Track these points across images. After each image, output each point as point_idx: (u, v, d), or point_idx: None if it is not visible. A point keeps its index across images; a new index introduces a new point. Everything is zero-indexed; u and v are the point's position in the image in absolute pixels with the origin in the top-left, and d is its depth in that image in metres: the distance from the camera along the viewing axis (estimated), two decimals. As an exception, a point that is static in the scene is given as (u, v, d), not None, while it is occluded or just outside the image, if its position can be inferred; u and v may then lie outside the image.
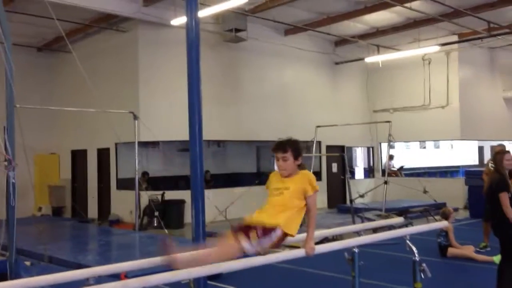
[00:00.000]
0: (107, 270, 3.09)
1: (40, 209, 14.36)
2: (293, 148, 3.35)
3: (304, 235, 3.37)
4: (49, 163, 15.13)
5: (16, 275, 6.02)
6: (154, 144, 13.92)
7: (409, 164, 19.81)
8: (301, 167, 3.47)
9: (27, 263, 7.04)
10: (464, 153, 22.63)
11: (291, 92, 14.96)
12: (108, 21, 12.84)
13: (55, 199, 14.67)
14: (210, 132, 10.98)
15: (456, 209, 13.33)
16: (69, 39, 9.91)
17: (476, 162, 21.67)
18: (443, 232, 7.76)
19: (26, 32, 13.21)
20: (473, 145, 21.89)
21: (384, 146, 16.67)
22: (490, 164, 8.53)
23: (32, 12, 11.18)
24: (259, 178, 11.77)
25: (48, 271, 6.19)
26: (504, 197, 5.29)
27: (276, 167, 3.46)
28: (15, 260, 6.28)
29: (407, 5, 11.68)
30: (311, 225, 3.32)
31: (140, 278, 2.70)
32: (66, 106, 12.58)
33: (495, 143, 15.93)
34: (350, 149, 17.33)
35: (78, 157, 14.84)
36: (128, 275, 5.07)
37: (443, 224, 5.92)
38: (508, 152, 5.71)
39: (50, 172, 14.91)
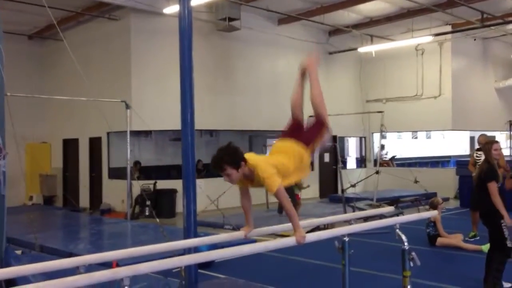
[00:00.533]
0: (97, 258, 3.09)
1: (31, 198, 14.32)
2: (228, 162, 3.10)
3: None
4: (41, 152, 15.05)
5: (6, 264, 6.01)
6: (146, 133, 13.88)
7: (400, 154, 19.92)
8: None
9: (18, 252, 7.03)
10: (455, 143, 22.79)
11: (284, 81, 14.90)
12: (100, 9, 12.71)
13: (46, 188, 14.62)
14: (202, 121, 10.95)
15: (446, 199, 13.44)
16: (61, 27, 9.83)
17: (468, 152, 21.83)
18: (432, 223, 7.83)
19: (17, 20, 13.06)
20: (465, 136, 22.04)
21: (376, 136, 16.72)
22: (475, 155, 8.63)
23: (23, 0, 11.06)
24: (252, 167, 11.74)
25: (39, 260, 6.19)
26: (492, 186, 5.35)
27: None
28: (6, 249, 6.26)
29: (401, -6, 11.68)
30: (290, 217, 3.26)
31: (130, 266, 2.71)
32: (58, 94, 12.49)
33: (487, 134, 16.04)
34: (342, 139, 17.38)
35: (70, 146, 14.77)
36: (119, 263, 5.08)
37: (432, 213, 5.97)
38: (497, 142, 5.77)
39: (42, 161, 14.84)
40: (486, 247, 6.07)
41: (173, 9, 11.02)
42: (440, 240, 7.76)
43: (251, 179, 3.22)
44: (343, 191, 10.65)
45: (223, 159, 3.12)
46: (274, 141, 3.54)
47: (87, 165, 14.12)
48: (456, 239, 7.78)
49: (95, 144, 13.80)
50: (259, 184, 3.22)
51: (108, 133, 13.02)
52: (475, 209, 8.28)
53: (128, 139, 10.77)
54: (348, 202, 10.76)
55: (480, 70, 17.13)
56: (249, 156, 3.20)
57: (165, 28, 12.16)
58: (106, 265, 4.45)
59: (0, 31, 6.25)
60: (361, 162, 18.16)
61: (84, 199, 14.07)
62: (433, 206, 7.78)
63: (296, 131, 3.49)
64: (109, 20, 12.87)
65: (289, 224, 3.37)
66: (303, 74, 3.66)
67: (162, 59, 12.41)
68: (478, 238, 8.10)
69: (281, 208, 11.39)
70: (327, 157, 16.41)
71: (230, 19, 12.63)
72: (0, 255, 6.13)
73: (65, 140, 14.91)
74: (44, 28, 14.13)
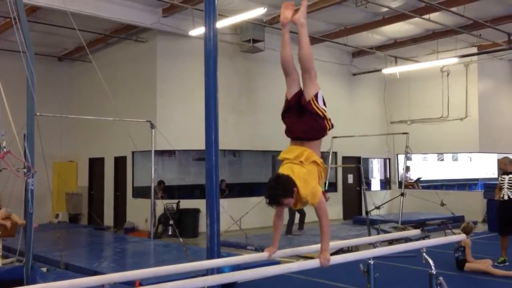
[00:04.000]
0: (122, 277, 3.10)
1: (57, 216, 14.51)
2: (283, 195, 3.11)
3: (320, 245, 3.34)
4: (67, 171, 15.31)
5: (32, 281, 6.08)
6: (170, 153, 14.01)
7: (426, 176, 19.58)
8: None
9: (44, 269, 7.11)
10: (483, 166, 22.30)
11: (307, 102, 14.93)
12: (127, 32, 13.03)
13: (72, 206, 14.82)
14: (226, 141, 11.04)
15: (475, 223, 13.12)
16: (90, 49, 10.08)
17: (495, 175, 21.32)
18: (461, 247, 7.63)
19: (48, 42, 13.48)
20: (492, 158, 21.56)
21: (401, 157, 16.53)
22: (500, 179, 8.45)
23: (54, 23, 11.40)
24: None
25: (64, 277, 6.24)
26: None
27: None
28: (32, 266, 6.34)
29: (426, 16, 11.65)
30: (323, 236, 3.27)
31: (154, 286, 2.71)
32: (85, 114, 12.77)
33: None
34: (366, 160, 17.21)
35: (96, 165, 15.00)
36: (142, 282, 5.10)
37: (460, 237, 5.81)
38: None
39: (68, 179, 15.09)
40: (516, 273, 5.89)
41: (198, 31, 11.21)
42: (468, 265, 7.55)
43: (307, 199, 3.22)
44: (367, 213, 10.51)
45: (278, 195, 3.12)
46: (288, 149, 3.43)
47: (112, 184, 14.29)
48: (485, 265, 7.56)
49: (120, 163, 13.98)
50: (302, 202, 3.24)
51: (133, 152, 13.18)
52: (504, 233, 8.09)
53: (153, 159, 10.88)
54: (372, 224, 10.60)
55: (507, 91, 16.84)
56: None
57: (190, 49, 12.37)
58: (130, 283, 4.47)
59: (31, 54, 6.45)
60: (386, 183, 17.93)
61: (108, 218, 14.21)
62: (466, 231, 7.58)
63: (297, 109, 3.41)
64: (136, 42, 13.16)
65: (314, 246, 3.33)
66: (288, 28, 3.55)
67: (187, 80, 12.59)
68: (507, 263, 7.87)
69: (290, 229, 11.35)
70: (351, 179, 16.26)
71: (254, 41, 12.77)
72: (26, 272, 6.21)
73: (91, 159, 15.15)
74: (73, 50, 14.53)
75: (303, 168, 3.23)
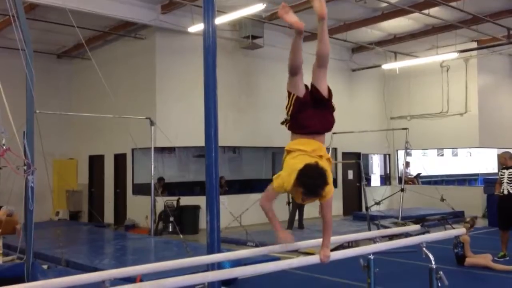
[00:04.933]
0: (122, 273, 3.11)
1: (57, 213, 14.53)
2: (324, 184, 2.93)
3: (319, 240, 3.35)
4: (67, 168, 15.31)
5: (33, 278, 6.10)
6: (170, 150, 14.02)
7: (426, 171, 19.59)
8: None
9: (44, 266, 7.12)
10: (483, 161, 22.31)
11: (307, 98, 14.92)
12: (126, 29, 13.01)
13: (72, 204, 14.84)
14: (226, 138, 11.05)
15: (475, 218, 13.14)
16: (89, 46, 10.07)
17: (495, 170, 21.32)
18: (460, 243, 7.64)
19: (47, 40, 13.46)
20: (492, 153, 21.57)
21: (401, 153, 16.53)
22: (500, 173, 8.45)
23: (52, 20, 11.38)
24: (275, 184, 11.71)
25: (64, 274, 6.25)
26: None
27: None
28: (32, 263, 6.36)
29: (425, 11, 11.63)
30: (327, 231, 3.25)
31: (155, 281, 2.72)
32: (84, 112, 12.76)
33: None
34: (366, 156, 17.22)
35: (96, 163, 15.00)
36: (143, 279, 5.10)
37: (460, 231, 5.81)
38: None
39: (68, 177, 15.09)
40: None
41: (197, 27, 11.19)
42: (469, 260, 7.56)
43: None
44: (367, 208, 10.52)
45: (319, 185, 2.92)
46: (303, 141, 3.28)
47: (112, 181, 14.30)
48: (485, 259, 7.57)
49: (120, 160, 13.98)
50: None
51: (133, 150, 13.19)
52: (504, 228, 8.10)
53: (152, 156, 10.88)
54: (372, 220, 10.61)
55: (507, 86, 16.84)
56: None
57: (189, 46, 12.35)
58: (130, 280, 4.47)
59: (30, 51, 6.44)
60: (386, 179, 17.94)
61: (109, 215, 14.22)
62: (469, 225, 7.61)
63: (312, 104, 3.38)
64: (135, 39, 13.14)
65: (314, 241, 3.33)
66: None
67: (186, 77, 12.58)
68: (507, 258, 7.89)
69: (291, 224, 11.34)
70: (351, 174, 16.28)
71: (254, 37, 12.76)
72: (27, 269, 6.23)
73: (91, 156, 15.15)
74: (72, 47, 14.51)
75: (322, 162, 3.09)
